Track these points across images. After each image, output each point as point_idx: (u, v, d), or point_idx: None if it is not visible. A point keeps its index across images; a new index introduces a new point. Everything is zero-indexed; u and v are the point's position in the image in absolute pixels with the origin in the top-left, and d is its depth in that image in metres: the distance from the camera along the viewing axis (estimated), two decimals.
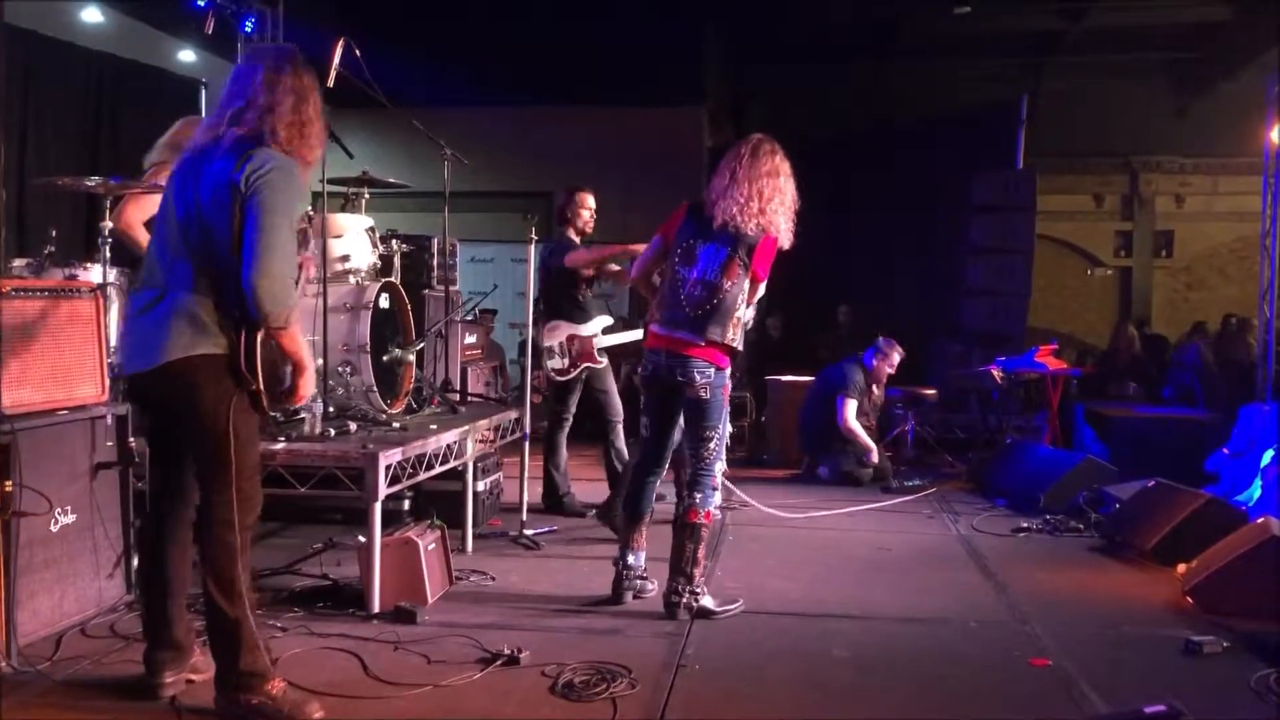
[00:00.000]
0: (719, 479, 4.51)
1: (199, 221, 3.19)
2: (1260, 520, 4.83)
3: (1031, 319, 12.25)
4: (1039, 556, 5.76)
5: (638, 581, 4.65)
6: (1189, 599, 4.70)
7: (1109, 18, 12.06)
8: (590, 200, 6.49)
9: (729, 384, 4.52)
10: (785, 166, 4.46)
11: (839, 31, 12.58)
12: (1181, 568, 4.97)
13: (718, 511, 4.55)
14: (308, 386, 3.37)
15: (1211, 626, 4.32)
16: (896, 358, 8.25)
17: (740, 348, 4.49)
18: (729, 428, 4.60)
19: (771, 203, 4.39)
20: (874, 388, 8.34)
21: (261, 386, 3.23)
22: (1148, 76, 14.44)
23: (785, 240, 4.48)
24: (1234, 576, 4.55)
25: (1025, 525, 6.43)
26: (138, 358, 3.24)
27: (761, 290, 4.57)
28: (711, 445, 4.46)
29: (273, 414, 3.40)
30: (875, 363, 8.25)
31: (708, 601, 4.43)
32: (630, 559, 4.63)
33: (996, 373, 8.92)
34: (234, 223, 3.13)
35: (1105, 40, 12.82)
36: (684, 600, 4.38)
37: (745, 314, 4.50)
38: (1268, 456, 6.21)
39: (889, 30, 12.59)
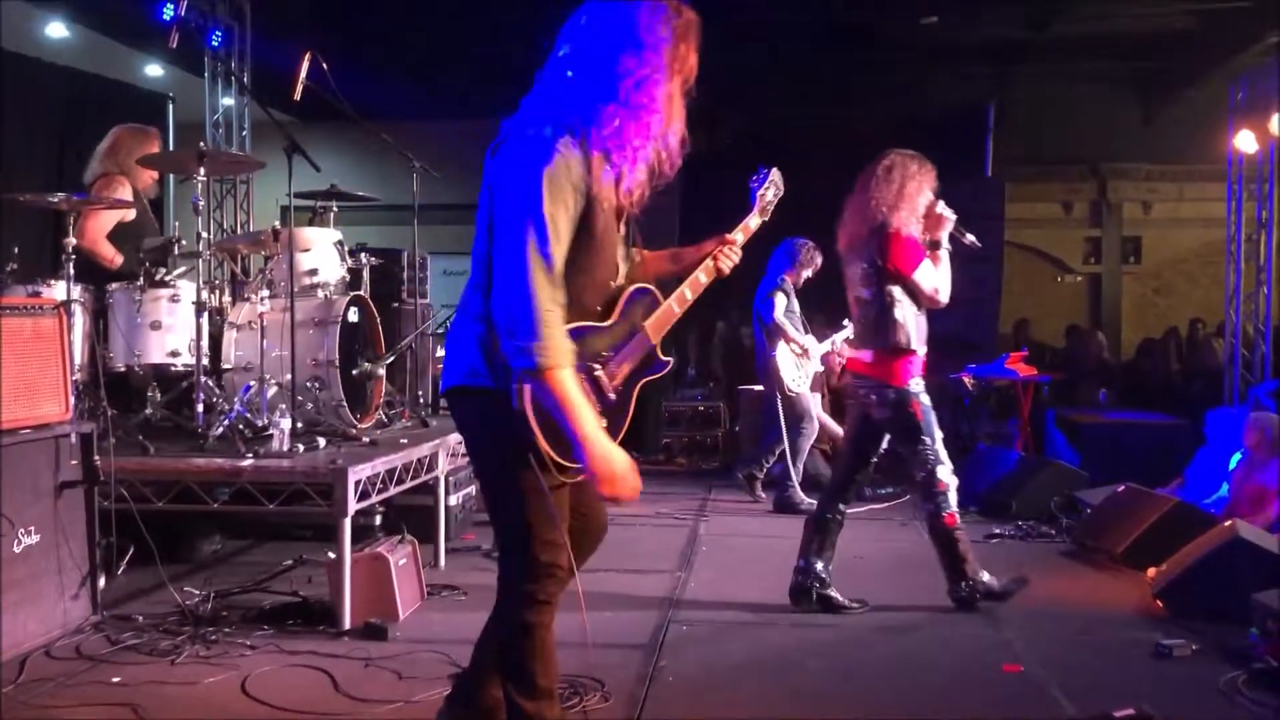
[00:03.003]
0: (947, 481, 4.59)
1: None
2: (1227, 523, 4.87)
3: (1002, 326, 12.33)
4: (1011, 562, 5.77)
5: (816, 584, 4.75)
6: (1159, 602, 4.73)
7: (1075, 27, 12.17)
8: None
9: (917, 399, 4.55)
10: (900, 171, 4.54)
11: (808, 41, 12.64)
12: (1152, 571, 4.99)
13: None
14: (596, 462, 2.37)
15: (1181, 629, 4.35)
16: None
17: (911, 345, 4.54)
18: (938, 434, 4.61)
19: (885, 202, 4.51)
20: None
21: (545, 444, 2.45)
22: (1114, 84, 14.57)
23: (910, 229, 4.53)
24: (1201, 579, 4.58)
25: (997, 531, 6.46)
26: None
27: (932, 278, 4.59)
28: (925, 454, 4.55)
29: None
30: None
31: (988, 580, 4.66)
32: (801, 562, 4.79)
33: (968, 380, 8.96)
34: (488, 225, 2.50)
35: (1071, 49, 12.93)
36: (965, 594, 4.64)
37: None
38: (1235, 460, 6.26)
39: (857, 40, 12.67)
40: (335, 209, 5.94)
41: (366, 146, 9.99)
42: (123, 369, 5.08)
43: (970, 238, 4.80)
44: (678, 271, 2.89)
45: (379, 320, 5.70)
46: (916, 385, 4.57)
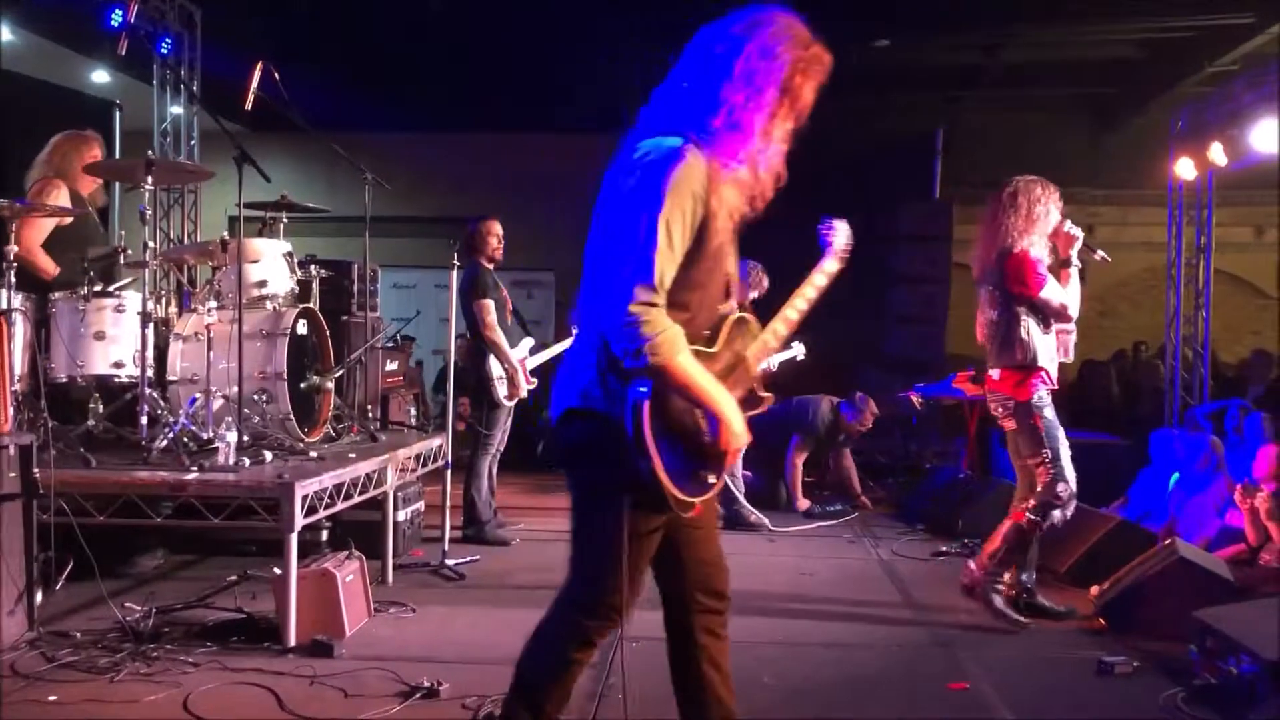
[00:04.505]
0: (1063, 497, 4.69)
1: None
2: (1167, 542, 4.95)
3: (952, 346, 12.47)
4: (958, 580, 5.81)
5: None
6: (1101, 620, 4.80)
7: (1024, 53, 12.40)
8: (498, 228, 6.53)
9: (1039, 412, 4.71)
10: (1025, 196, 4.75)
11: None
12: (1094, 589, 5.06)
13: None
14: (727, 434, 2.38)
15: (1123, 647, 4.42)
16: (870, 418, 8.21)
17: (1038, 362, 4.71)
18: (1064, 447, 4.73)
19: (1014, 228, 4.70)
20: (840, 438, 8.29)
21: (662, 472, 2.33)
22: (1061, 110, 14.84)
23: (1036, 252, 4.72)
24: (1142, 597, 4.66)
25: (944, 549, 6.53)
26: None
27: (1059, 296, 4.74)
28: (1045, 467, 4.69)
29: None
30: (852, 418, 8.15)
31: (998, 600, 4.77)
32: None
33: (915, 399, 9.06)
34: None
35: (1020, 75, 13.18)
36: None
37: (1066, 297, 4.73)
38: (1175, 480, 6.38)
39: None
40: (285, 220, 5.87)
41: (317, 157, 9.94)
42: (65, 380, 4.98)
43: (1100, 254, 5.02)
44: None
45: (328, 333, 5.64)
46: (1040, 400, 4.73)
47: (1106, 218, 16.25)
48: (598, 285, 2.35)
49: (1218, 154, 8.36)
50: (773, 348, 2.73)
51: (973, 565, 4.88)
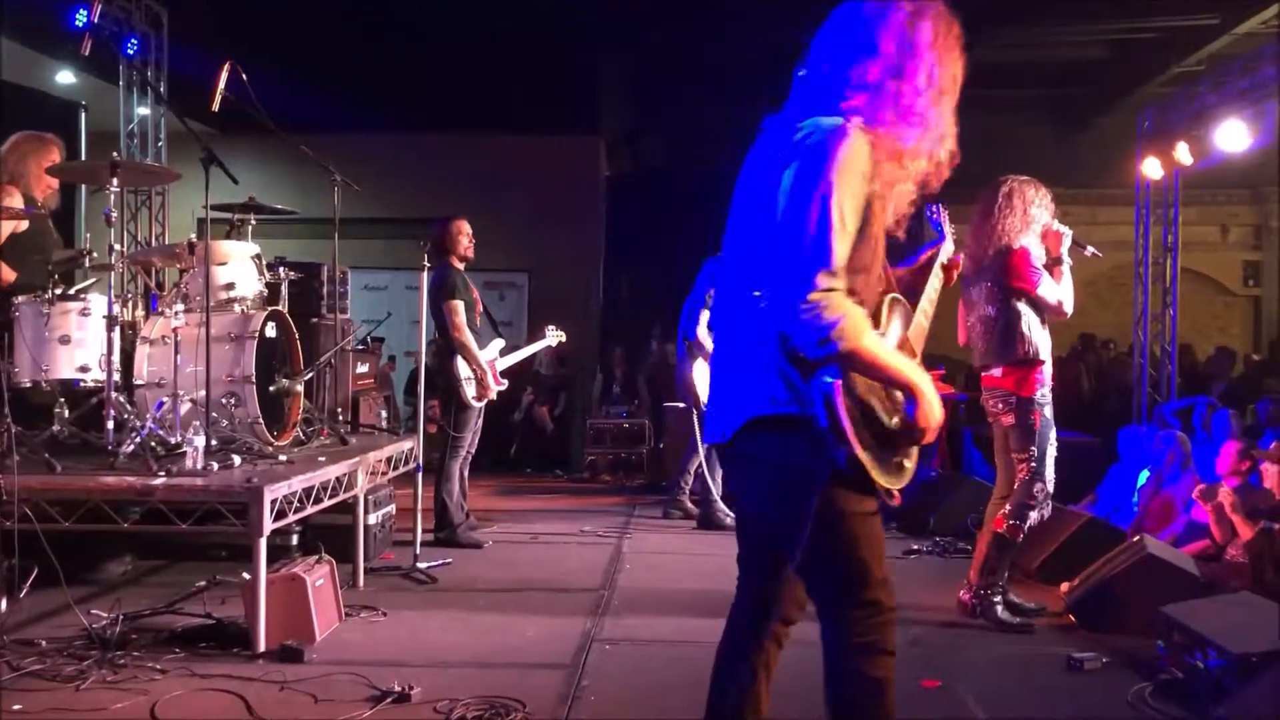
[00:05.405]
0: (1039, 497, 4.73)
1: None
2: (1135, 539, 5.00)
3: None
4: (929, 578, 5.87)
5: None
6: (1071, 617, 4.84)
7: (993, 54, 12.50)
8: (467, 226, 6.52)
9: (1040, 409, 4.73)
10: (1020, 197, 4.81)
11: (733, 64, 12.80)
12: (1064, 586, 5.10)
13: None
14: (925, 410, 2.31)
15: (1092, 643, 4.45)
16: None
17: (1037, 355, 4.73)
18: (1051, 448, 4.76)
19: (1011, 227, 4.75)
20: None
21: (864, 456, 2.27)
22: (1029, 111, 14.96)
23: (1032, 245, 4.79)
24: (1112, 594, 4.70)
25: (916, 547, 6.56)
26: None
27: (1055, 292, 4.79)
28: (1028, 464, 4.72)
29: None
30: None
31: (999, 611, 4.76)
32: None
33: None
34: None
35: (989, 75, 13.28)
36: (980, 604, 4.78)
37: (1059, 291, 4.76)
38: (1143, 477, 6.44)
39: (783, 63, 12.84)
40: (253, 222, 5.82)
41: (286, 159, 9.83)
42: (29, 384, 4.90)
43: (1090, 249, 5.11)
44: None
45: (297, 336, 5.60)
46: (1042, 397, 4.76)
47: (1075, 217, 16.37)
48: (777, 272, 2.24)
49: (1184, 153, 8.46)
50: (925, 327, 2.75)
51: (963, 595, 4.87)
